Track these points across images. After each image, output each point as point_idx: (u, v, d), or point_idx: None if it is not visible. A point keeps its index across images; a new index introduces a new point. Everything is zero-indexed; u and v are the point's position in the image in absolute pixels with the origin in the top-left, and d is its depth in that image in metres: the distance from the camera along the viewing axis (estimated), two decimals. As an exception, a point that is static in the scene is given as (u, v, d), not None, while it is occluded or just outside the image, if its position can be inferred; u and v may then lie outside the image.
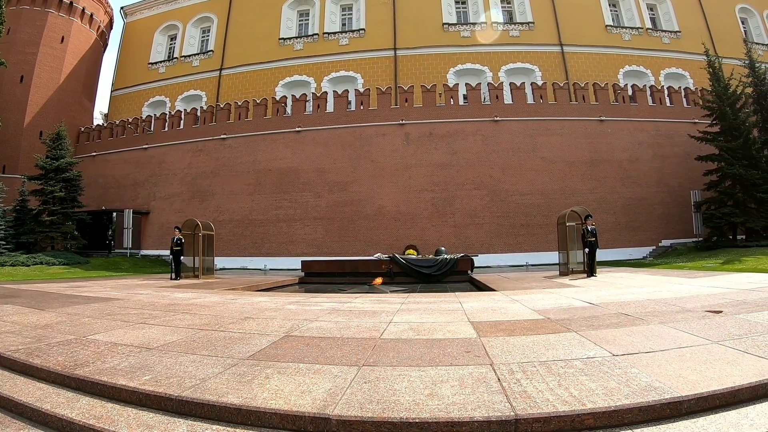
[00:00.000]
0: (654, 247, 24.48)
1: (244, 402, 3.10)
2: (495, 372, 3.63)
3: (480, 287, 13.99)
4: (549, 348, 4.42)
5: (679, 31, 31.25)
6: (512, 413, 2.78)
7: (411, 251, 21.04)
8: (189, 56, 33.85)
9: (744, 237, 23.11)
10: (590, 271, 14.58)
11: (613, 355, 4.01)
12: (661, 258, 22.69)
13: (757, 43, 32.35)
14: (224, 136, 27.68)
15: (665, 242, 24.65)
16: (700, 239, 24.00)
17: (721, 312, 6.01)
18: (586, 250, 14.80)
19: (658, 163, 25.42)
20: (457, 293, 11.01)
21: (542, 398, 3.01)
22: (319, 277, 18.36)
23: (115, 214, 29.59)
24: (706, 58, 24.56)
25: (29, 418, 3.39)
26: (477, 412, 2.83)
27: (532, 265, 21.82)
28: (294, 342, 5.01)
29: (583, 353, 4.13)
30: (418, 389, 3.24)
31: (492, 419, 2.74)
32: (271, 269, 24.06)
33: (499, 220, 23.72)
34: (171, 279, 16.87)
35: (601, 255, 22.64)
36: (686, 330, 4.98)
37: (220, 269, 24.82)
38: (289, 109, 27.20)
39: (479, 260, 21.61)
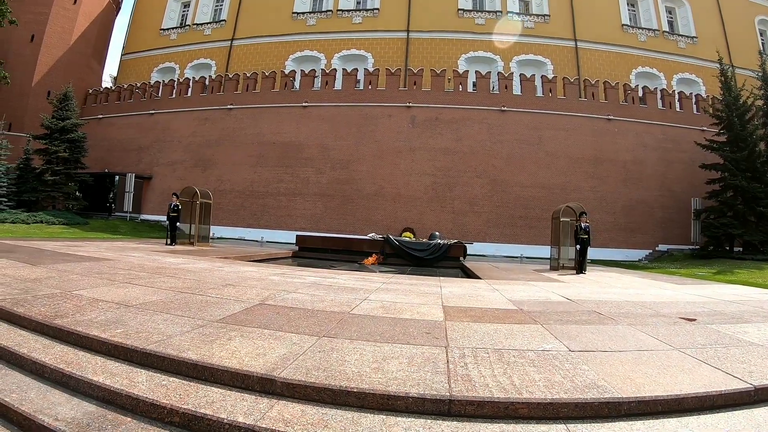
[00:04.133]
0: (651, 251, 24.49)
1: (201, 359, 3.27)
2: (447, 354, 3.72)
3: (468, 274, 14.12)
4: (509, 337, 4.51)
5: (696, 37, 30.71)
6: (447, 394, 2.85)
7: (408, 234, 21.16)
8: (201, 24, 33.50)
9: (741, 249, 23.10)
10: (580, 268, 14.69)
11: (570, 350, 4.08)
12: (656, 262, 22.73)
13: (774, 57, 31.85)
14: (231, 107, 27.63)
15: (662, 247, 24.66)
16: (697, 247, 24.00)
17: (695, 320, 6.02)
18: (578, 246, 14.85)
19: (662, 167, 25.27)
20: (442, 278, 11.12)
21: (482, 383, 3.08)
22: (312, 252, 18.52)
23: (117, 177, 29.70)
24: (719, 66, 24.24)
25: (7, 361, 3.58)
26: (414, 389, 2.90)
27: (527, 258, 21.91)
28: (266, 310, 5.16)
29: (540, 345, 4.21)
30: (366, 362, 3.36)
31: (426, 397, 2.81)
32: (268, 241, 24.28)
33: (498, 210, 23.74)
34: (166, 244, 17.04)
35: (596, 254, 22.85)
36: (652, 334, 5.01)
37: (218, 238, 25.05)
38: (297, 84, 27.07)
39: (475, 248, 21.73)
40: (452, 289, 8.41)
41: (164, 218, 19.19)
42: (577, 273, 14.43)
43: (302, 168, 25.50)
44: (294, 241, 19.85)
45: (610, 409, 2.91)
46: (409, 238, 20.02)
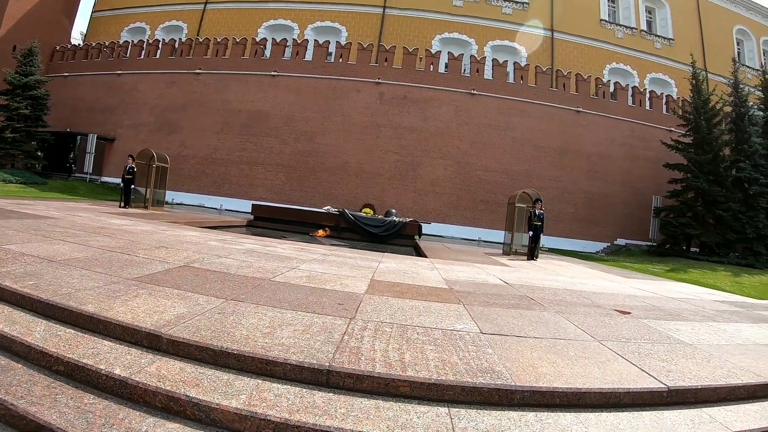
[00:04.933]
0: (609, 244, 24.67)
1: (97, 311, 3.31)
2: (348, 326, 3.65)
3: (419, 253, 13.94)
4: (423, 314, 4.39)
5: (673, 39, 31.00)
6: (327, 364, 2.78)
7: (367, 210, 20.86)
8: (176, -16, 32.57)
9: (697, 250, 23.40)
10: (531, 255, 14.59)
11: (481, 332, 3.93)
12: (613, 255, 22.88)
13: (748, 66, 32.31)
14: (199, 71, 26.97)
15: (621, 241, 24.86)
16: (654, 244, 24.28)
17: (629, 313, 5.85)
18: (531, 233, 14.71)
19: (627, 163, 25.46)
20: (387, 254, 10.99)
21: (369, 357, 2.99)
22: (268, 223, 18.12)
23: (79, 137, 28.83)
24: (692, 69, 24.48)
25: None
26: (296, 356, 2.85)
27: (485, 241, 21.83)
28: (186, 271, 5.13)
29: (452, 325, 4.06)
30: (260, 327, 3.34)
31: (304, 365, 2.76)
32: (227, 209, 23.83)
33: (460, 193, 23.63)
34: (120, 207, 16.60)
35: (555, 243, 22.92)
36: (578, 323, 4.83)
37: (178, 204, 24.54)
38: (267, 52, 26.55)
39: (434, 229, 21.59)
40: (391, 264, 8.29)
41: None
42: (528, 259, 14.33)
43: (266, 138, 25.01)
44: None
45: (501, 396, 2.76)
46: (369, 214, 19.77)
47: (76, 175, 28.32)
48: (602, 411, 2.83)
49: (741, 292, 13.20)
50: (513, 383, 2.81)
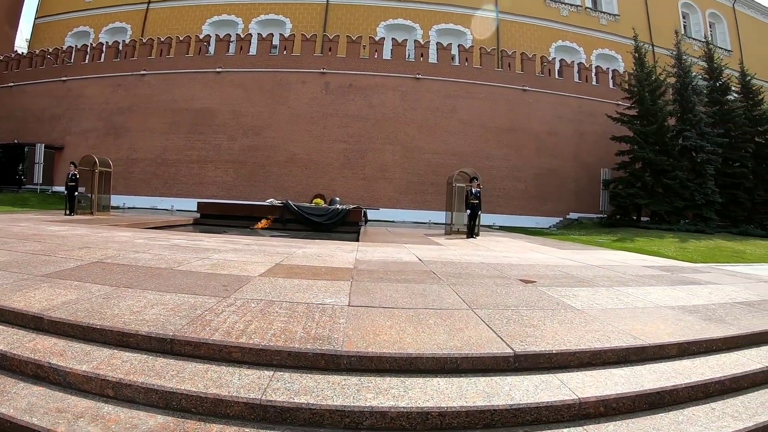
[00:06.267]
0: (561, 219, 24.97)
1: None
2: (216, 304, 3.86)
3: (359, 238, 14.02)
4: (302, 291, 4.54)
5: (618, 15, 31.41)
6: (171, 334, 3.06)
7: (318, 200, 20.86)
8: (118, -15, 31.92)
9: (648, 219, 23.80)
10: (471, 233, 14.65)
11: (348, 305, 4.05)
12: (564, 229, 23.17)
13: (694, 39, 32.89)
14: (144, 72, 26.55)
15: (573, 215, 25.18)
16: (605, 216, 24.61)
17: (534, 282, 5.90)
18: (468, 211, 14.78)
19: (576, 138, 25.77)
20: (321, 240, 11.18)
21: (215, 328, 3.22)
22: (214, 219, 18.05)
23: (27, 148, 28.21)
24: (634, 43, 24.81)
25: None
26: (147, 327, 3.17)
27: (435, 223, 21.88)
28: (96, 267, 5.37)
29: (323, 299, 4.21)
30: (133, 307, 3.63)
31: (152, 335, 3.07)
32: (178, 210, 23.54)
33: (409, 177, 23.69)
34: (65, 215, 16.36)
35: (507, 221, 23.13)
36: (464, 294, 4.89)
37: (130, 208, 24.22)
38: (211, 49, 26.23)
39: (385, 214, 21.64)
40: (311, 249, 8.45)
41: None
42: (468, 237, 14.38)
43: (214, 135, 24.77)
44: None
45: (327, 361, 2.89)
46: (320, 204, 19.76)
47: (27, 186, 27.70)
48: (435, 376, 2.86)
49: (682, 257, 13.39)
50: (342, 349, 2.93)
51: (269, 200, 19.05)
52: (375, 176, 23.72)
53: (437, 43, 25.69)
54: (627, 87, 24.86)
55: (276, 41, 25.86)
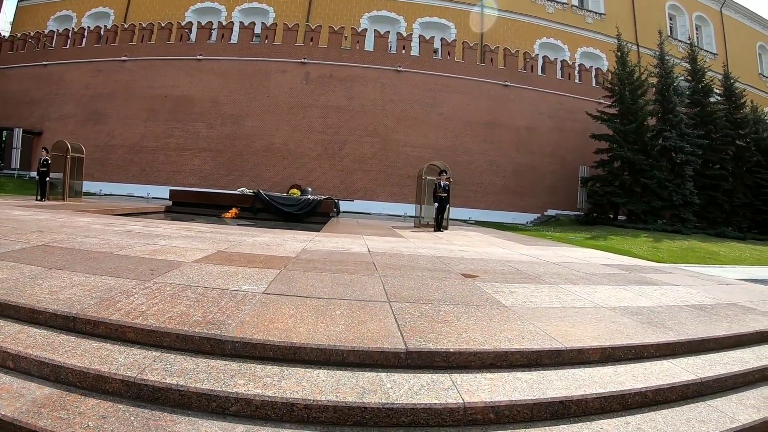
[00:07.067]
0: (539, 215, 25.03)
1: None
2: (135, 286, 3.89)
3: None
4: (225, 277, 4.52)
5: (605, 14, 31.49)
6: (74, 312, 3.12)
7: (295, 191, 20.80)
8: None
9: (626, 218, 23.87)
10: (438, 226, 14.53)
11: (263, 292, 4.00)
12: (540, 226, 23.20)
13: (680, 41, 32.98)
14: (125, 58, 26.32)
15: (551, 212, 25.25)
16: (582, 213, 24.66)
17: (476, 277, 5.78)
18: (436, 204, 14.68)
19: (555, 135, 25.80)
20: (276, 230, 11.13)
21: (118, 308, 3.25)
22: (186, 207, 17.95)
23: (5, 132, 27.92)
24: (617, 42, 24.83)
25: None
26: (55, 306, 3.22)
27: (410, 216, 21.76)
28: (40, 250, 5.35)
29: (240, 286, 4.19)
30: (53, 288, 3.66)
31: (58, 313, 3.12)
32: (154, 197, 23.34)
33: (387, 169, 23.66)
34: (37, 200, 16.23)
35: (484, 216, 23.14)
36: (391, 286, 4.78)
37: (107, 195, 24.02)
38: (193, 37, 26.04)
39: (361, 206, 21.60)
40: (262, 238, 8.41)
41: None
42: (435, 231, 14.25)
43: (193, 123, 24.64)
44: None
45: (212, 345, 2.88)
46: (296, 195, 19.70)
47: (5, 172, 27.41)
48: (319, 368, 2.79)
49: (652, 256, 13.42)
50: (226, 334, 2.90)
51: (240, 189, 18.98)
52: (353, 168, 23.67)
53: (420, 36, 25.72)
54: (605, 85, 24.90)
55: (258, 30, 25.71)
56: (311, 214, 17.34)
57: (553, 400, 2.69)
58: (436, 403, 2.51)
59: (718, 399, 3.14)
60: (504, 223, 23.07)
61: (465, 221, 21.82)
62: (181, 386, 2.46)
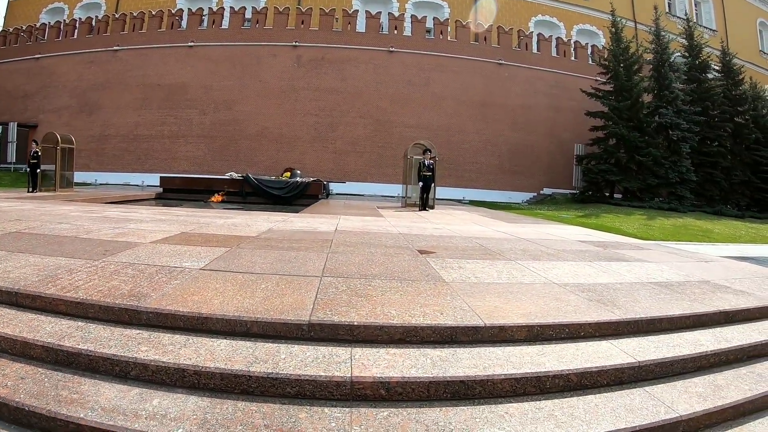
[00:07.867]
0: (535, 194, 24.83)
1: None
2: (83, 265, 4.02)
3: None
4: (173, 256, 4.63)
5: (601, -10, 31.00)
6: (17, 288, 3.31)
7: (288, 174, 20.73)
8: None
9: (621, 196, 23.63)
10: (423, 206, 14.39)
11: (200, 269, 4.10)
12: (535, 205, 23.00)
13: (679, 17, 32.44)
14: (116, 48, 26.23)
15: (547, 190, 25.05)
16: (578, 191, 24.42)
17: (433, 253, 5.73)
18: (420, 183, 14.53)
19: (551, 113, 25.54)
20: (254, 212, 11.31)
21: (57, 284, 3.42)
22: (177, 193, 18.03)
23: (0, 127, 27.99)
24: (611, 17, 24.49)
25: None
26: (2, 282, 3.42)
27: (403, 197, 21.73)
28: (10, 236, 5.48)
29: (182, 263, 4.29)
30: (8, 268, 3.83)
31: (3, 289, 3.34)
32: (149, 185, 23.31)
33: (381, 151, 23.51)
34: (29, 192, 16.35)
35: (480, 196, 22.96)
36: (335, 261, 4.81)
37: (102, 185, 24.05)
38: (184, 23, 25.93)
39: (355, 188, 21.49)
40: (233, 220, 8.63)
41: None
42: (420, 210, 14.10)
43: (185, 110, 24.57)
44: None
45: (130, 316, 3.02)
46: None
47: (1, 166, 27.52)
48: (224, 338, 2.85)
49: (641, 234, 13.29)
50: (142, 305, 3.03)
51: (229, 173, 18.92)
52: (346, 150, 23.55)
53: (412, 16, 25.41)
54: (600, 62, 24.59)
55: (249, 14, 25.54)
56: (299, 197, 17.34)
57: (454, 379, 2.53)
58: (321, 375, 2.47)
59: (659, 385, 2.84)
60: (499, 202, 22.91)
61: (459, 201, 21.66)
62: (90, 351, 2.64)
